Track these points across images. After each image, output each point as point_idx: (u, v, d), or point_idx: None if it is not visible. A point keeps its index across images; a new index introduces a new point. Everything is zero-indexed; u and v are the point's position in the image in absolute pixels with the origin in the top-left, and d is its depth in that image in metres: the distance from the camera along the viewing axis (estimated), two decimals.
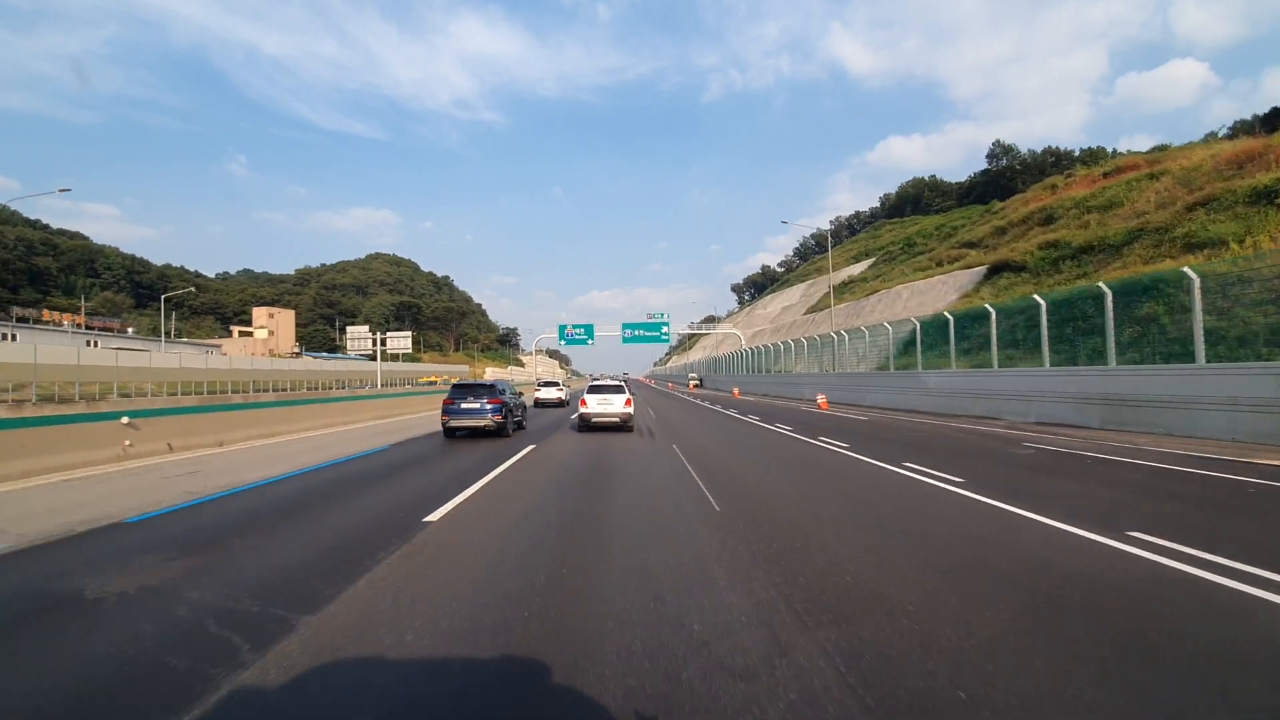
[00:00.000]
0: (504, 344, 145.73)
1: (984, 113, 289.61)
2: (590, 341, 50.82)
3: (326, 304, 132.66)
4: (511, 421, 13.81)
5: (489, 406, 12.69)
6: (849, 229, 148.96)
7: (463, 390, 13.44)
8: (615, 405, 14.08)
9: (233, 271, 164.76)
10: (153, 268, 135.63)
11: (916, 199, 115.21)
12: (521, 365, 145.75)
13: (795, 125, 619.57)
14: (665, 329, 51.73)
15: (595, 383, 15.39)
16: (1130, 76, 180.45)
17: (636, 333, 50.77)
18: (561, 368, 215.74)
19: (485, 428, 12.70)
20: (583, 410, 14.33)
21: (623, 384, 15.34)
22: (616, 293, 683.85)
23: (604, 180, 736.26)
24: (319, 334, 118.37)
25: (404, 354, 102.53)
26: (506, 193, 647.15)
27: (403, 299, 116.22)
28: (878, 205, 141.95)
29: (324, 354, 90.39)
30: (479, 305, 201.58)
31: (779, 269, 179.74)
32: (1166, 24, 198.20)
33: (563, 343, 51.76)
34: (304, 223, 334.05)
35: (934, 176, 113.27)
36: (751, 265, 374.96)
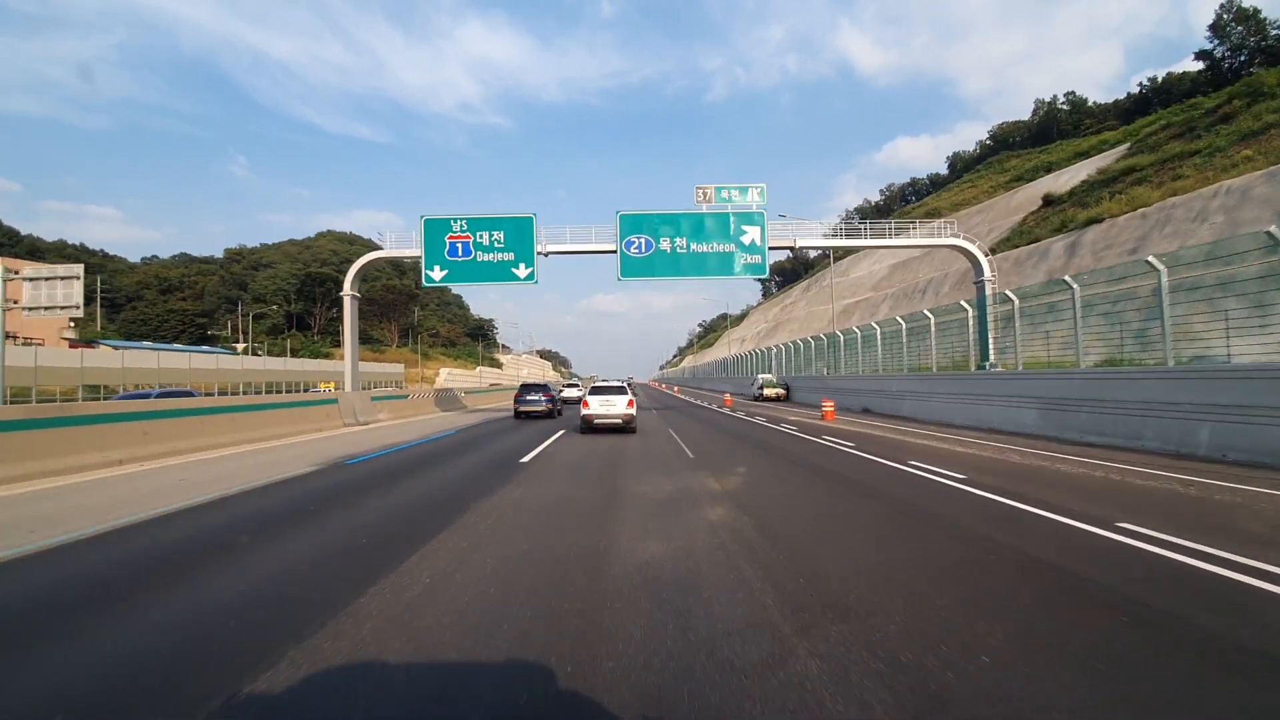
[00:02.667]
0: (477, 339, 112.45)
1: (994, 111, 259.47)
2: (523, 273, 18.01)
3: (239, 285, 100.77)
4: (555, 409, 19.97)
5: (543, 399, 19.41)
6: (915, 192, 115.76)
7: (526, 388, 20.35)
8: (618, 406, 14.10)
9: (164, 255, 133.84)
10: (21, 241, 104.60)
11: (1043, 131, 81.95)
12: (498, 366, 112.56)
13: (802, 125, 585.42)
14: (750, 236, 18.49)
15: (597, 385, 15.70)
16: (1146, 74, 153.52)
17: (663, 246, 17.90)
18: (558, 369, 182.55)
19: (541, 412, 19.08)
20: (585, 412, 14.28)
21: (625, 385, 15.37)
22: (621, 296, 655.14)
23: (608, 181, 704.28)
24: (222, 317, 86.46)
25: (279, 346, 69.87)
26: (510, 194, 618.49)
27: (311, 270, 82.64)
28: (945, 169, 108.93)
29: (163, 345, 57.60)
30: (457, 295, 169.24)
31: (812, 252, 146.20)
32: (1184, 20, 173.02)
33: (436, 271, 18.60)
34: (306, 225, 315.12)
35: (1072, 93, 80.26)
36: None
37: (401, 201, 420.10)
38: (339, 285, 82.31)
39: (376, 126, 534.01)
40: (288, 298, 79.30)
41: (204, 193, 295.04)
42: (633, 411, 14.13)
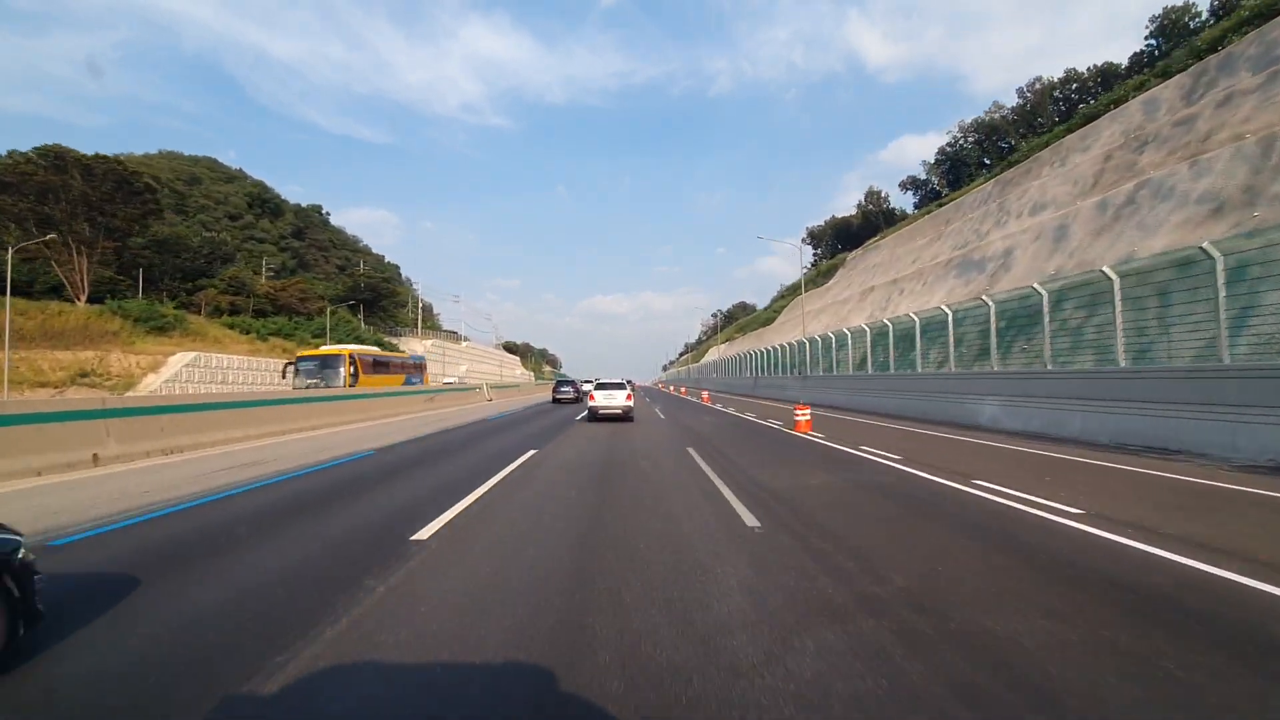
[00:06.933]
0: (356, 307, 68.67)
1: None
2: None
3: None
4: (579, 397, 28.20)
5: (572, 390, 28.84)
6: (1018, 126, 71.59)
7: (561, 383, 30.94)
8: (618, 399, 17.33)
9: None
10: None
11: None
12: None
13: (807, 123, 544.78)
14: None
15: (601, 382, 18.75)
16: None
17: None
18: (533, 366, 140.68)
19: (570, 398, 28.26)
20: (590, 404, 17.73)
21: (625, 382, 18.78)
22: (620, 297, 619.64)
23: (609, 183, 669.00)
24: None
25: None
26: (511, 196, 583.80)
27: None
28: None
29: None
30: (396, 270, 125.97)
31: (908, 194, 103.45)
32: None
33: None
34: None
35: None
36: (760, 269, 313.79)
37: (400, 200, 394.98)
38: (65, 188, 32.28)
39: (378, 127, 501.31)
40: None
41: None
42: (631, 404, 17.61)
